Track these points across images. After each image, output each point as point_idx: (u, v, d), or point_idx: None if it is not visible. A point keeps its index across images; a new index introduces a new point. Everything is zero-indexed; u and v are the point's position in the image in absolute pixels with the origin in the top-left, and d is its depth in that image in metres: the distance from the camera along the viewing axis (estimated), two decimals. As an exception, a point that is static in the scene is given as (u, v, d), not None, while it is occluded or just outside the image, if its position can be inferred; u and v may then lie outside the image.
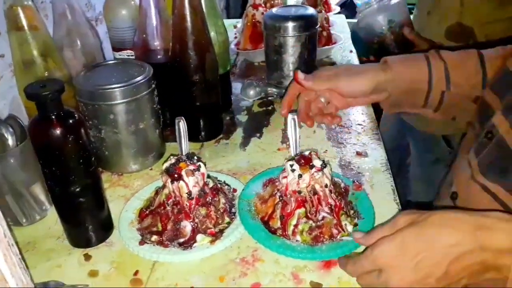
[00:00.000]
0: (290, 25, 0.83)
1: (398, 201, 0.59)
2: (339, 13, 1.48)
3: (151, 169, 0.69)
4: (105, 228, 0.55)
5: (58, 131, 0.46)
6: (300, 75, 0.59)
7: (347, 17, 1.49)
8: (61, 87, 0.46)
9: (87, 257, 0.52)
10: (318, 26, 0.89)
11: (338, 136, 0.75)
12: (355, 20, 1.00)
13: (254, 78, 0.98)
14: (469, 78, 0.57)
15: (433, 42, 0.85)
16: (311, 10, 0.87)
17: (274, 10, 0.88)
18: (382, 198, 0.59)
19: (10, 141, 0.55)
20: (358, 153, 0.70)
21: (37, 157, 0.48)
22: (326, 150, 0.71)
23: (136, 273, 0.50)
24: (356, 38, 1.01)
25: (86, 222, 0.52)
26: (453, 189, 0.57)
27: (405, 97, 0.60)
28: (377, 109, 1.06)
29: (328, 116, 0.62)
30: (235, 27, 1.21)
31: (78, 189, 0.49)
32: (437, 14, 0.90)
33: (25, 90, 0.45)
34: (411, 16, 0.96)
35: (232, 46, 1.06)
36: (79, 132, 0.48)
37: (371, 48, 0.91)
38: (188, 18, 0.66)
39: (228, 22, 1.28)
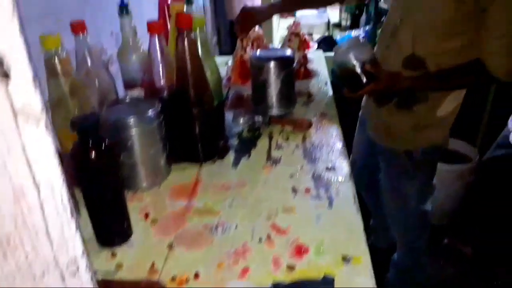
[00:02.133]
0: (272, 65, 1.00)
1: (358, 205, 0.74)
2: (318, 47, 1.67)
3: (159, 187, 0.84)
4: (127, 230, 0.69)
5: (95, 153, 0.61)
6: None
7: (326, 50, 1.67)
8: (97, 120, 0.62)
9: (113, 254, 0.66)
10: (295, 64, 1.07)
11: (312, 154, 0.91)
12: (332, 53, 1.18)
13: (243, 109, 1.15)
14: None
15: (391, 72, 1.02)
16: (289, 52, 1.05)
17: (258, 52, 1.06)
18: (346, 203, 0.75)
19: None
20: (328, 168, 0.86)
21: (76, 173, 0.63)
22: (302, 166, 0.87)
23: (152, 265, 0.64)
24: (334, 73, 1.19)
25: (113, 225, 0.67)
26: None
27: None
28: (349, 134, 1.24)
29: None
30: (226, 64, 1.39)
31: (109, 198, 0.64)
32: (394, 48, 1.04)
33: (71, 123, 0.61)
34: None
35: (224, 81, 1.23)
36: (110, 153, 0.63)
37: (345, 81, 1.08)
38: (188, 63, 0.83)
39: (220, 60, 1.47)
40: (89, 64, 0.91)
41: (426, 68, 1.00)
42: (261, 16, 1.15)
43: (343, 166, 0.86)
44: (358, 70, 1.02)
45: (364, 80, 1.01)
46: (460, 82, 0.99)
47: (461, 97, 1.07)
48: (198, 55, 0.85)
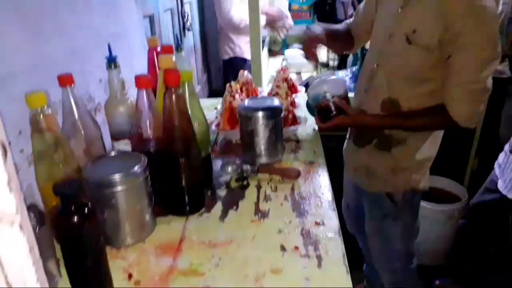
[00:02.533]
0: (260, 115, 1.01)
1: (347, 264, 0.73)
2: (306, 89, 1.69)
3: (144, 243, 0.81)
4: (109, 296, 0.67)
5: (77, 219, 0.60)
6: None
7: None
8: (80, 186, 0.60)
9: (93, 322, 0.63)
10: (283, 112, 1.08)
11: (300, 207, 0.91)
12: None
13: (232, 155, 1.14)
14: None
15: (358, 108, 1.07)
16: (277, 102, 1.06)
17: (246, 102, 1.07)
18: (335, 262, 0.74)
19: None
20: (317, 223, 0.85)
21: (59, 239, 0.61)
22: (291, 221, 0.86)
23: (134, 334, 0.61)
24: (307, 104, 1.26)
25: (94, 292, 0.64)
26: None
27: None
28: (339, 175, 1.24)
29: None
30: (215, 108, 1.39)
31: (89, 263, 0.62)
32: (372, 91, 1.09)
33: (54, 189, 0.59)
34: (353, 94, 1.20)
35: (213, 127, 1.24)
36: (92, 219, 0.62)
37: (317, 111, 1.12)
38: (176, 117, 0.83)
39: (210, 102, 1.48)
40: (76, 115, 0.91)
41: (401, 110, 1.04)
42: (319, 37, 1.20)
43: (332, 220, 0.85)
44: (330, 102, 1.06)
45: (334, 112, 1.06)
46: (422, 124, 1.02)
47: (439, 142, 1.10)
48: (186, 110, 0.86)
